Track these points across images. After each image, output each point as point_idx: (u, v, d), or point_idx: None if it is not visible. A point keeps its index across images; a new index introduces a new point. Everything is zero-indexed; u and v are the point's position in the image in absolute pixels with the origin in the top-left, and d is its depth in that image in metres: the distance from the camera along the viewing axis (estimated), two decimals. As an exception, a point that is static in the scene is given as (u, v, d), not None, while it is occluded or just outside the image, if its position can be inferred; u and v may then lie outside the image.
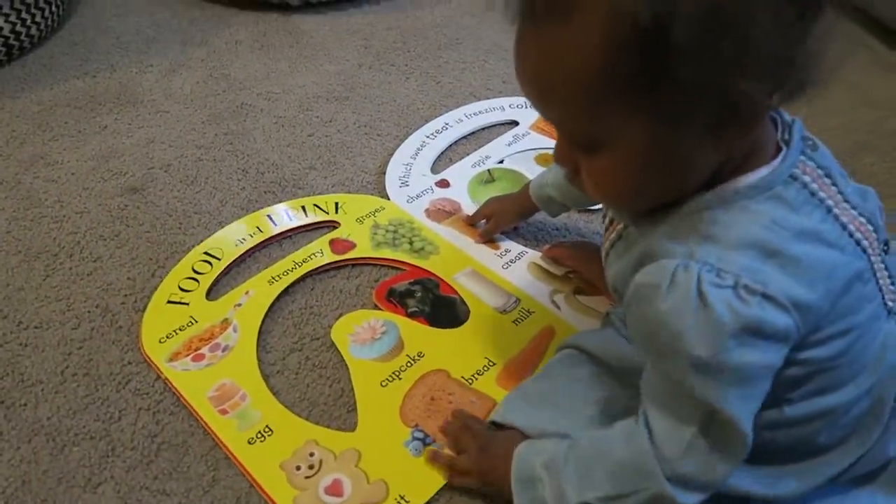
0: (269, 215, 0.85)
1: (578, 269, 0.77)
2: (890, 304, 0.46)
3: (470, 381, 0.66)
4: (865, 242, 0.44)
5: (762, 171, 0.42)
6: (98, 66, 1.14)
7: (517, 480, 0.51)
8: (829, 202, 0.43)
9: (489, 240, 0.82)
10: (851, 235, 0.43)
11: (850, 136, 0.99)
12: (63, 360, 0.69)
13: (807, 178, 0.42)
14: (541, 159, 0.96)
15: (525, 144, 0.98)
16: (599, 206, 0.84)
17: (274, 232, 0.82)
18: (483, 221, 0.83)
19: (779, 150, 0.43)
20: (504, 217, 0.81)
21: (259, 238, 0.82)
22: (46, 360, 0.69)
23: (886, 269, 0.46)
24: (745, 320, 0.39)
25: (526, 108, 1.06)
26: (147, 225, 0.85)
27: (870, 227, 0.45)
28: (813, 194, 0.42)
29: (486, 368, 0.67)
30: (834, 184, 0.44)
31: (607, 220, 0.52)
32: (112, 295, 0.76)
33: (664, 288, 0.41)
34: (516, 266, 0.79)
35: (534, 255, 0.80)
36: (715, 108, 0.38)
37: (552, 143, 0.96)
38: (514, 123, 1.03)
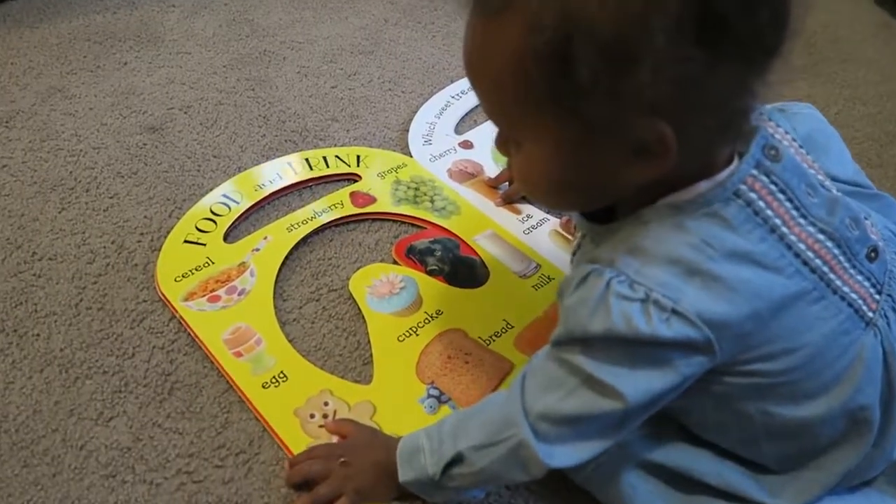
0: (289, 163, 0.83)
1: None
2: (870, 314, 0.45)
3: (487, 342, 0.66)
4: (818, 262, 0.43)
5: (701, 186, 0.41)
6: (119, 1, 1.11)
7: (401, 459, 0.50)
8: (776, 221, 0.42)
9: (510, 202, 0.81)
10: (798, 255, 0.42)
11: (880, 126, 0.98)
12: (77, 294, 0.68)
13: (752, 196, 0.41)
14: (566, 128, 0.94)
15: (551, 112, 0.96)
16: None
17: (294, 180, 0.81)
18: (506, 184, 0.82)
19: (731, 161, 0.42)
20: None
21: (279, 185, 0.80)
22: (60, 292, 0.68)
23: (869, 277, 0.45)
24: (638, 334, 0.39)
25: (554, 75, 1.04)
26: (165, 165, 0.83)
27: (829, 244, 0.43)
28: (757, 213, 0.41)
29: (504, 330, 0.67)
30: (790, 199, 0.42)
31: (574, 224, 0.52)
32: (128, 232, 0.75)
33: (573, 285, 0.42)
34: (537, 232, 0.78)
35: (555, 222, 0.79)
36: (622, 138, 0.38)
37: None
38: (541, 90, 1.01)
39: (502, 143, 0.46)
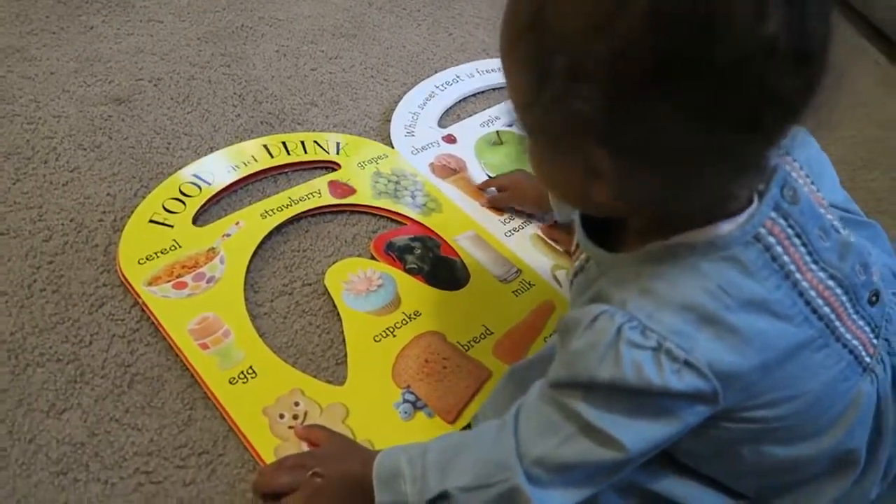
0: (265, 145, 0.80)
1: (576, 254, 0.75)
2: (867, 360, 0.44)
3: (466, 347, 0.64)
4: (826, 309, 0.42)
5: (722, 227, 0.39)
6: (88, -40, 1.04)
7: (378, 479, 0.47)
8: (791, 267, 0.41)
9: (496, 208, 0.79)
10: (808, 303, 0.41)
11: (853, 150, 0.99)
12: (31, 274, 0.63)
13: (771, 240, 0.40)
14: (550, 129, 0.93)
15: (536, 111, 0.95)
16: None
17: (270, 164, 0.77)
18: (493, 189, 0.80)
19: (751, 201, 0.41)
20: (521, 199, 0.77)
21: (253, 168, 0.76)
22: (12, 270, 0.63)
23: (869, 322, 0.45)
24: (648, 385, 0.38)
25: (539, 74, 1.02)
26: (132, 140, 0.79)
27: (838, 291, 0.43)
28: (774, 259, 0.40)
29: (483, 336, 0.65)
30: (804, 243, 0.41)
31: (576, 242, 0.50)
32: (89, 210, 0.70)
33: (582, 327, 0.40)
34: (519, 235, 0.76)
35: (538, 226, 0.78)
36: (572, 155, 0.38)
37: None
38: (527, 88, 0.99)
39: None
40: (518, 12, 0.37)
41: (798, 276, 0.41)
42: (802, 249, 0.41)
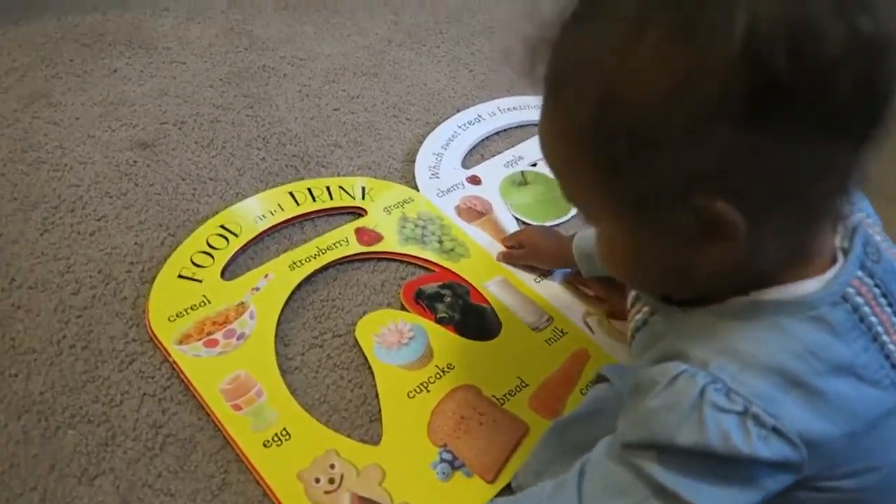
0: (291, 192, 0.79)
1: (607, 301, 0.74)
2: None
3: (502, 401, 0.63)
4: None
5: (810, 285, 0.38)
6: (110, 2, 1.05)
7: None
8: (879, 328, 0.39)
9: (510, 263, 0.76)
10: (894, 366, 0.39)
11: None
12: (60, 329, 0.63)
13: (859, 300, 0.38)
14: (575, 168, 0.92)
15: (559, 150, 0.94)
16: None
17: (296, 212, 0.77)
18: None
19: (835, 259, 0.39)
20: (539, 256, 0.75)
21: (280, 217, 0.76)
22: (41, 325, 0.63)
23: None
24: (735, 452, 0.36)
25: (561, 110, 1.01)
26: (157, 186, 0.78)
27: None
28: (862, 319, 0.38)
29: (518, 389, 0.64)
30: (890, 303, 0.40)
31: (632, 296, 0.48)
32: (116, 260, 0.69)
33: (661, 386, 0.38)
34: (549, 281, 0.75)
35: (566, 271, 0.77)
36: (675, 219, 0.36)
37: None
38: (549, 126, 0.99)
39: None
40: (579, 108, 0.36)
41: (885, 338, 0.39)
42: (889, 310, 0.39)
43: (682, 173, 0.34)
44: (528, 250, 0.76)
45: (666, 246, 0.38)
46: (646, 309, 0.46)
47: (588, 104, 0.35)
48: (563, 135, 0.38)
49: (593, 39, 0.35)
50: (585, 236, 0.70)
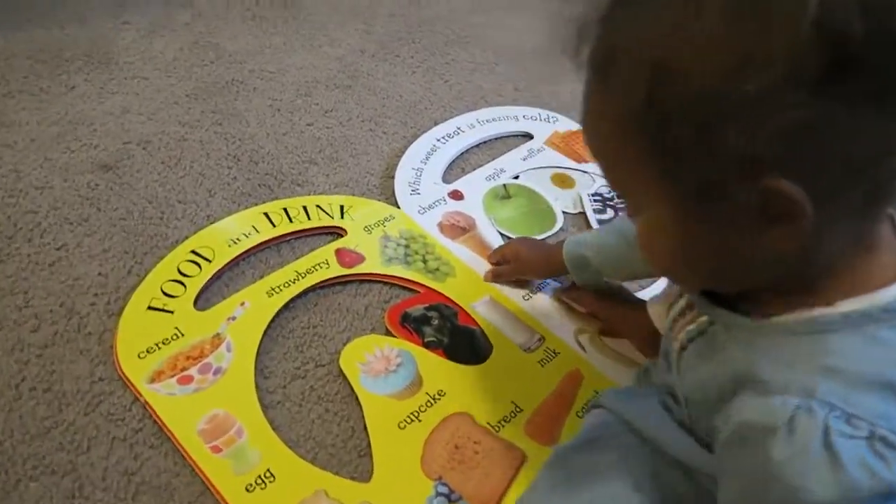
0: (266, 213, 0.75)
1: (599, 315, 0.71)
2: None
3: (496, 428, 0.60)
4: None
5: (892, 292, 0.35)
6: (67, 15, 1.00)
7: None
8: None
9: (497, 281, 0.73)
10: None
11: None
12: (19, 371, 0.58)
13: None
14: (557, 179, 0.90)
15: (540, 160, 0.92)
16: (641, 281, 0.78)
17: (272, 234, 0.73)
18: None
19: None
20: (527, 268, 0.72)
21: (255, 239, 0.72)
22: (-3, 368, 0.58)
23: None
24: (886, 484, 0.32)
25: (540, 120, 0.99)
26: (122, 210, 0.74)
27: None
28: None
29: (513, 414, 0.61)
30: None
31: (682, 302, 0.45)
32: (79, 293, 0.65)
33: (781, 434, 0.34)
34: (537, 298, 0.73)
35: (555, 286, 0.74)
36: (736, 201, 0.33)
37: (568, 161, 0.93)
38: (529, 136, 0.97)
39: (626, 208, 0.42)
40: (632, 90, 0.34)
41: None
42: None
43: (747, 153, 0.32)
44: (514, 265, 0.73)
45: (723, 232, 0.36)
46: (703, 319, 0.42)
47: (643, 85, 0.33)
48: (615, 120, 0.36)
49: (647, 15, 0.33)
50: (576, 241, 0.68)
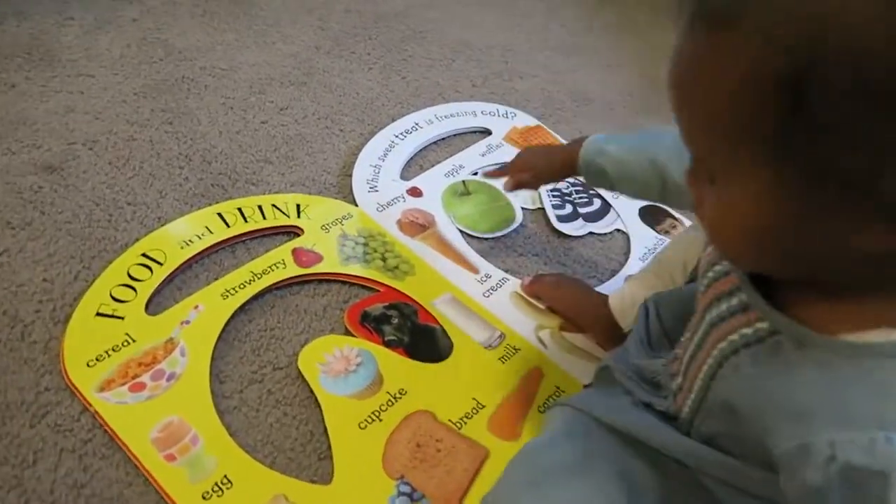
0: (219, 213, 0.74)
1: (559, 310, 0.72)
2: None
3: (458, 425, 0.60)
4: None
5: None
6: (5, 11, 0.96)
7: None
8: None
9: (518, 189, 0.74)
10: None
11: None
12: (-42, 383, 0.55)
13: None
14: (516, 175, 0.90)
15: (499, 156, 0.92)
16: (600, 275, 0.78)
17: (227, 234, 0.71)
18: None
19: None
20: (545, 174, 0.71)
21: (209, 240, 0.70)
22: (-65, 381, 0.55)
23: None
24: None
25: (499, 116, 1.00)
26: (68, 213, 0.71)
27: None
28: None
29: (475, 411, 0.61)
30: None
31: (732, 301, 0.41)
32: (23, 300, 0.62)
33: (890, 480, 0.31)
34: (497, 294, 0.73)
35: (515, 282, 0.75)
36: (867, 194, 0.30)
37: None
38: (487, 132, 0.97)
39: (694, 173, 0.38)
40: (773, 50, 0.30)
41: None
42: None
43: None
44: (535, 175, 0.71)
45: (829, 219, 0.32)
46: (762, 325, 0.38)
47: (784, 49, 0.29)
48: (728, 77, 0.31)
49: None
50: (596, 149, 0.64)
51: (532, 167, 0.72)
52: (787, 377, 0.37)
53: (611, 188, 0.65)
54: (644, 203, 0.89)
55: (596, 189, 0.72)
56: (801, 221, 0.33)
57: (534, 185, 0.74)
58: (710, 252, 0.45)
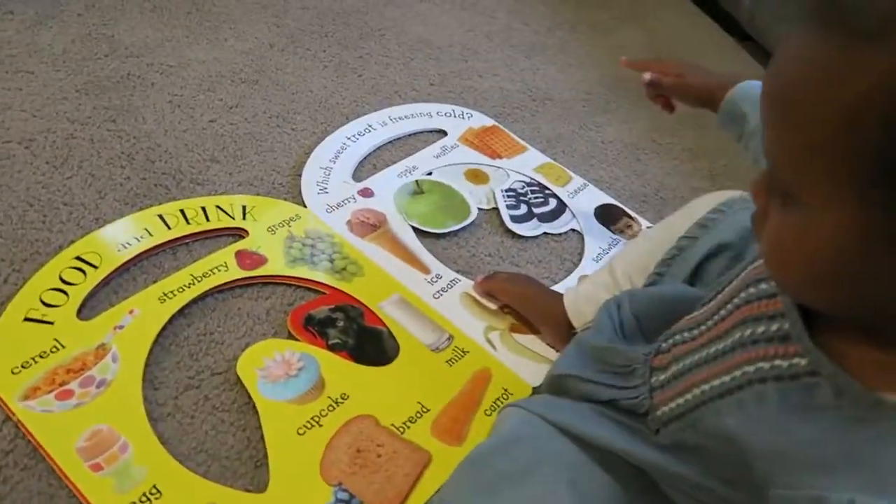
0: (160, 215, 0.71)
1: (512, 306, 0.71)
2: None
3: (401, 429, 0.59)
4: None
5: None
6: (-61, 4, 0.92)
7: None
8: None
9: (655, 88, 0.67)
10: None
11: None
12: None
13: None
14: (471, 174, 0.90)
15: (454, 157, 0.91)
16: (553, 275, 0.76)
17: (167, 237, 0.69)
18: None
19: None
20: (693, 89, 0.65)
21: (148, 243, 0.68)
22: None
23: None
24: None
25: (454, 117, 0.99)
26: (-1, 215, 0.68)
27: None
28: None
29: (419, 415, 0.60)
30: None
31: (772, 327, 0.39)
32: (-54, 305, 0.60)
33: None
34: (448, 296, 0.72)
35: (466, 283, 0.74)
36: None
37: (483, 158, 0.93)
38: (442, 133, 0.96)
39: (766, 185, 0.35)
40: None
41: None
42: None
43: None
44: (676, 81, 0.65)
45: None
46: (801, 361, 0.36)
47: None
48: (848, 96, 0.29)
49: None
50: (747, 92, 0.60)
51: (685, 73, 0.66)
52: (816, 425, 0.35)
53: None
54: (600, 202, 0.89)
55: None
56: (885, 264, 0.31)
57: (674, 90, 0.66)
58: (759, 267, 0.43)
